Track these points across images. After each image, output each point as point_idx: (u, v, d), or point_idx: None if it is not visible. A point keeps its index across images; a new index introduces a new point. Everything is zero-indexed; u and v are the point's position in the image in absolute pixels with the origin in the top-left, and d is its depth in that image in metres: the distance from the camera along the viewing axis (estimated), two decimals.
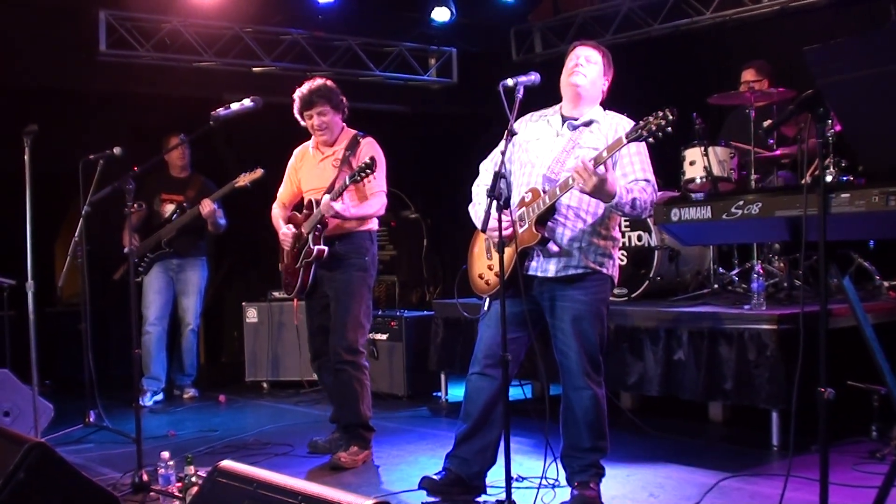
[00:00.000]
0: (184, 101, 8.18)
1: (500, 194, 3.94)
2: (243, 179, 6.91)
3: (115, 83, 8.21)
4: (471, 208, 4.59)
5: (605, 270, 4.34)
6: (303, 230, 5.39)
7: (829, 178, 5.99)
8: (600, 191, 3.99)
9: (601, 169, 3.98)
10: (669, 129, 3.87)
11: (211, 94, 7.93)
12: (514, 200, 4.36)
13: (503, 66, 9.47)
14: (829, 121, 5.73)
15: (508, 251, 4.23)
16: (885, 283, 6.45)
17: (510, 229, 4.24)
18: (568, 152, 4.32)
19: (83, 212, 6.09)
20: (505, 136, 4.18)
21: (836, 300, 5.40)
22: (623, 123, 4.35)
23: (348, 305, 5.32)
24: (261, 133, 8.18)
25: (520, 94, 4.20)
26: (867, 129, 3.08)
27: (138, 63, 8.22)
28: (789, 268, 6.41)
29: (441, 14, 9.04)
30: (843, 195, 3.09)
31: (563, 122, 4.44)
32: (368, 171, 5.09)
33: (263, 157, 6.92)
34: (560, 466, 4.46)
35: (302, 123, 5.49)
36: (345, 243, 5.37)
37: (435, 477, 4.50)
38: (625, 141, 3.99)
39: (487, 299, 4.49)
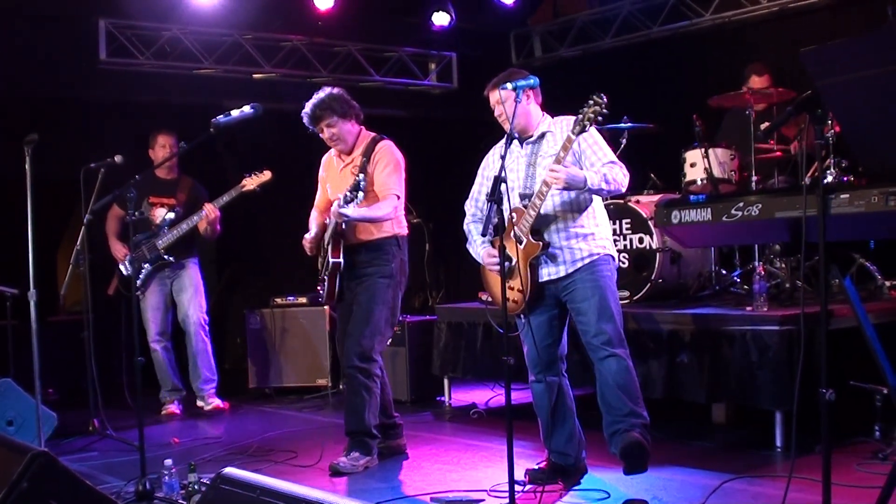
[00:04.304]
0: (184, 108, 8.20)
1: (500, 198, 4.00)
2: (251, 183, 6.75)
3: (116, 91, 8.22)
4: (469, 247, 4.92)
5: (608, 252, 4.69)
6: (325, 239, 5.45)
7: (829, 179, 6.00)
8: (573, 182, 4.38)
9: (566, 163, 4.39)
10: (605, 111, 4.29)
11: (211, 101, 7.94)
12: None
13: (503, 70, 9.46)
14: (829, 121, 5.74)
15: (520, 276, 4.59)
16: (887, 283, 6.45)
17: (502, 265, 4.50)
18: (534, 166, 4.63)
19: (85, 220, 6.08)
20: (505, 141, 4.21)
21: (838, 301, 5.39)
22: (570, 122, 4.59)
23: (369, 312, 5.33)
24: (262, 139, 8.20)
25: (519, 99, 4.23)
26: (865, 130, 3.08)
27: (139, 71, 8.24)
28: (791, 269, 6.41)
29: (441, 19, 9.06)
30: (842, 196, 3.10)
31: (521, 143, 4.70)
32: (356, 192, 5.08)
33: (264, 164, 6.91)
34: (609, 442, 4.63)
35: (320, 135, 5.49)
36: (369, 252, 5.39)
37: (537, 467, 4.87)
38: (573, 137, 4.36)
39: (520, 316, 4.71)
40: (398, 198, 5.37)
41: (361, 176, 5.16)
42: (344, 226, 5.30)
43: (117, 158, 6.11)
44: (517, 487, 4.30)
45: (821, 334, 3.24)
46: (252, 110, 5.14)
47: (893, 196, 2.96)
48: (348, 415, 5.41)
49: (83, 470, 5.34)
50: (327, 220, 5.50)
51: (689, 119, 6.87)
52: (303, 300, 7.98)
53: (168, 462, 4.70)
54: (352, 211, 5.13)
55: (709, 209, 3.52)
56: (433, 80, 9.92)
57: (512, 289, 4.61)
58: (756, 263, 6.37)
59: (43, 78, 7.76)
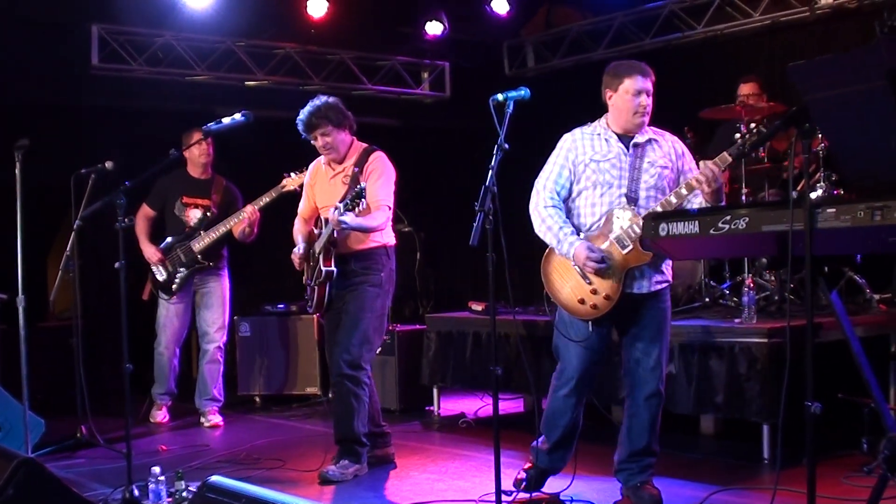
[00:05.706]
0: (176, 114, 8.19)
1: (489, 209, 3.99)
2: (291, 183, 6.42)
3: (108, 97, 8.22)
4: (542, 234, 4.56)
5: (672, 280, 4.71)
6: (315, 248, 5.43)
7: (819, 192, 6.02)
8: (719, 195, 4.35)
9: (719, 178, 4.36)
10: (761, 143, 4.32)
11: (203, 108, 7.93)
12: (589, 222, 4.53)
13: (496, 80, 9.52)
14: (820, 135, 5.76)
15: (611, 281, 4.43)
16: (876, 297, 6.47)
17: (602, 264, 4.39)
18: (640, 170, 4.51)
19: (75, 226, 6.07)
20: (495, 152, 4.22)
21: (826, 314, 5.41)
22: (678, 141, 4.66)
23: (357, 320, 5.32)
24: (254, 147, 8.20)
25: (510, 110, 4.25)
26: (851, 145, 3.10)
27: (131, 77, 8.25)
28: (780, 281, 6.43)
29: (434, 28, 9.09)
30: (829, 210, 3.10)
31: (623, 141, 4.57)
32: (359, 199, 5.07)
33: (255, 171, 6.91)
34: (616, 471, 4.63)
35: (312, 142, 5.49)
36: (360, 260, 5.38)
37: (524, 472, 4.81)
38: (729, 158, 4.33)
39: (591, 324, 4.53)
40: (389, 209, 5.39)
41: (363, 184, 5.14)
42: (336, 234, 5.28)
43: (108, 164, 6.09)
44: (505, 497, 4.30)
45: (807, 347, 3.25)
46: (243, 118, 5.15)
47: (879, 211, 2.96)
48: (337, 423, 5.41)
49: (70, 477, 5.34)
50: (315, 230, 5.51)
51: (681, 131, 6.89)
52: (293, 308, 7.98)
53: (155, 470, 4.67)
54: (350, 219, 5.12)
55: (696, 222, 3.50)
56: (426, 89, 9.95)
57: (596, 293, 4.45)
58: (745, 276, 6.39)
59: (34, 83, 7.76)
